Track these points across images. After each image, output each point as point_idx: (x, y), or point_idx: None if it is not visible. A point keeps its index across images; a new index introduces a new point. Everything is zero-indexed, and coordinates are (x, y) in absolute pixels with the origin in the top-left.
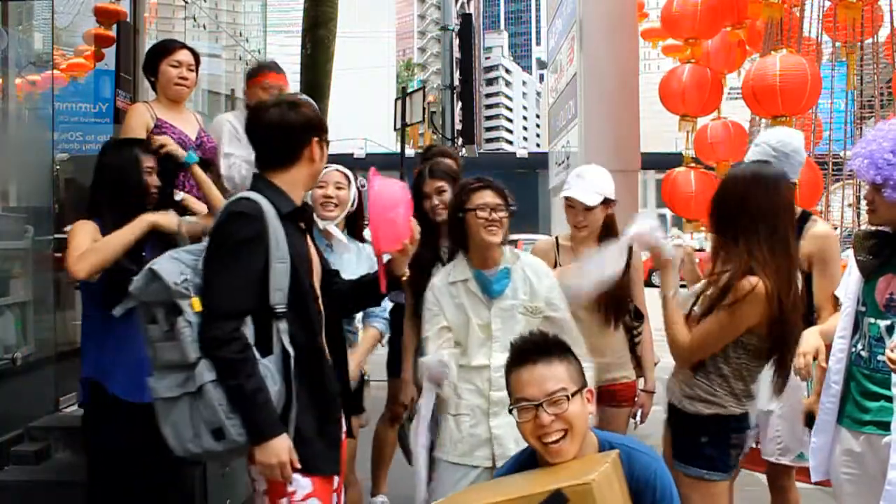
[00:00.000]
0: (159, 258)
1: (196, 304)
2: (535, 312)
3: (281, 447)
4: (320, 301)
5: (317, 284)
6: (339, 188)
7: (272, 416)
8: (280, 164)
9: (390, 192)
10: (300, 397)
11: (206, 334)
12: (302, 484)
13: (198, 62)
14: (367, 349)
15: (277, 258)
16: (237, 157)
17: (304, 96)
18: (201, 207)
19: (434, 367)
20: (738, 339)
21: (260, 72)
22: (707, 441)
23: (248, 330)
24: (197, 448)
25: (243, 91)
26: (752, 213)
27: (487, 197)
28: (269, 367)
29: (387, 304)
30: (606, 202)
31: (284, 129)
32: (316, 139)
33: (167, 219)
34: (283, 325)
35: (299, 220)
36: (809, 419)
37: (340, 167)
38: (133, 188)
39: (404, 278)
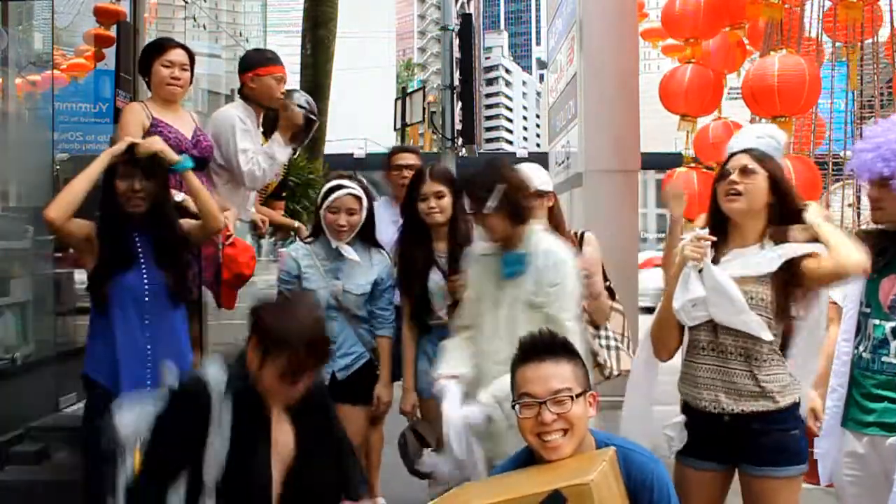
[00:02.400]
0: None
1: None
2: (534, 307)
3: None
4: (271, 487)
5: (276, 470)
6: (351, 214)
7: None
8: None
9: None
10: None
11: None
12: None
13: (192, 61)
14: (388, 363)
15: (217, 434)
16: (253, 151)
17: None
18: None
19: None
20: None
21: (271, 63)
22: (800, 431)
23: (177, 497)
24: None
25: (249, 78)
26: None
27: None
28: None
29: (393, 305)
30: (540, 195)
31: None
32: None
33: (147, 142)
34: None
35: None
36: None
37: (353, 189)
38: (103, 191)
39: None
